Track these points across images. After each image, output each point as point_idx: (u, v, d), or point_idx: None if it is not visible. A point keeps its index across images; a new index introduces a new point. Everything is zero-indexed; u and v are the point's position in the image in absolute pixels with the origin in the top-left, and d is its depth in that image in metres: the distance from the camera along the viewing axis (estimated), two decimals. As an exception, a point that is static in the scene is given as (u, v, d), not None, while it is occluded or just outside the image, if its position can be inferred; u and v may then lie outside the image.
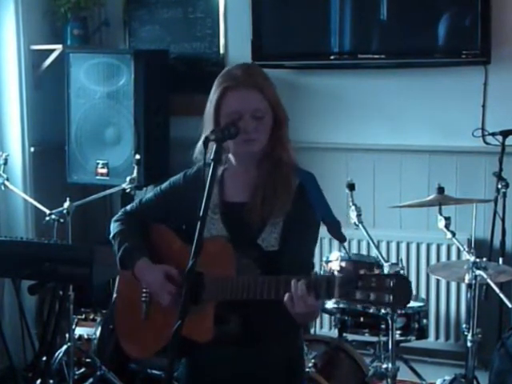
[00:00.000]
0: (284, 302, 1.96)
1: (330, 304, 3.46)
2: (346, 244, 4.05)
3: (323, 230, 2.21)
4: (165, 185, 2.34)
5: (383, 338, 3.45)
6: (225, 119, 2.14)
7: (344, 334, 3.54)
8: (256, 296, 2.02)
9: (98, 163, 4.21)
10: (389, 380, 3.20)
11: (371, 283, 1.88)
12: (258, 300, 2.02)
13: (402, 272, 3.22)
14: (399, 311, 3.29)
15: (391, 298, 1.86)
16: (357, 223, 3.30)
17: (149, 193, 2.40)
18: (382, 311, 3.22)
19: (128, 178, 3.76)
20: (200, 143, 2.20)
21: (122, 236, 2.29)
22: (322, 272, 3.55)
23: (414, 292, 4.03)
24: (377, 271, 3.40)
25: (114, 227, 2.33)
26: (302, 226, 2.15)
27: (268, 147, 2.19)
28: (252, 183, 2.19)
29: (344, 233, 2.23)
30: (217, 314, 2.09)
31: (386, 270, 3.10)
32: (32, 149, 4.29)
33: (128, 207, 2.38)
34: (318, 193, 2.19)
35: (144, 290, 2.26)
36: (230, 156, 2.22)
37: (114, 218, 2.37)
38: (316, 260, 2.32)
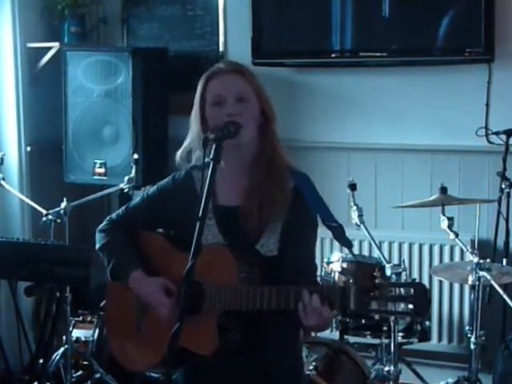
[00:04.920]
0: (298, 312, 1.92)
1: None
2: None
3: (324, 232, 2.17)
4: (152, 189, 2.28)
5: (385, 341, 3.44)
6: (209, 108, 2.11)
7: (345, 336, 3.52)
8: (264, 306, 1.98)
9: (95, 163, 4.17)
10: (391, 383, 3.18)
11: (389, 292, 1.84)
12: (266, 310, 1.98)
13: (404, 273, 3.19)
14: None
15: (412, 307, 1.82)
16: (358, 224, 3.27)
17: (135, 198, 2.34)
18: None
19: (126, 178, 3.73)
20: (182, 149, 2.18)
21: (111, 247, 2.22)
22: (322, 273, 3.52)
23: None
24: (378, 272, 3.37)
25: (99, 238, 2.27)
26: (300, 230, 2.12)
27: (258, 148, 2.15)
28: (245, 186, 2.15)
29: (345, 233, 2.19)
30: (220, 325, 2.04)
31: (388, 272, 3.07)
32: (28, 148, 4.27)
33: (114, 215, 2.32)
34: (315, 194, 2.17)
35: (136, 301, 2.19)
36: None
37: (99, 227, 2.30)
38: (317, 261, 2.27)
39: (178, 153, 2.20)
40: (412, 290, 1.84)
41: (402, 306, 1.85)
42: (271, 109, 2.17)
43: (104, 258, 2.24)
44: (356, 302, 1.87)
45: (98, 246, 2.27)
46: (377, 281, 1.90)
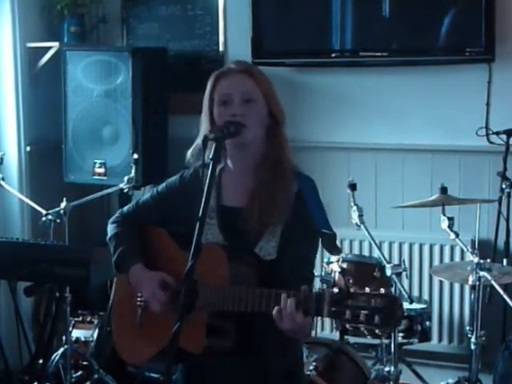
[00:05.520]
0: (273, 316, 1.92)
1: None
2: (347, 244, 4.03)
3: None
4: (161, 186, 2.30)
5: (385, 341, 3.43)
6: (216, 108, 2.10)
7: (345, 337, 3.51)
8: (248, 308, 1.97)
9: (95, 162, 4.16)
10: (391, 383, 3.16)
11: (361, 302, 1.82)
12: (251, 312, 1.97)
13: (405, 273, 3.18)
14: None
15: (379, 318, 1.81)
16: (358, 224, 3.26)
17: (146, 194, 2.36)
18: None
19: (126, 178, 3.72)
20: (193, 146, 2.18)
21: (118, 239, 2.25)
22: (323, 274, 3.51)
23: (417, 294, 4.02)
24: (379, 273, 3.37)
25: (110, 229, 2.30)
26: (300, 235, 2.10)
27: (265, 148, 2.14)
28: (250, 188, 2.14)
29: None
30: (210, 324, 2.04)
31: (388, 272, 3.06)
32: (28, 148, 4.26)
33: (125, 209, 2.35)
34: (316, 200, 2.15)
35: (139, 295, 2.22)
36: (228, 159, 2.17)
37: (111, 219, 2.34)
38: (317, 261, 2.26)
39: (189, 151, 2.20)
40: (384, 302, 1.81)
41: (374, 316, 1.82)
42: (280, 111, 2.16)
43: (111, 249, 2.26)
44: (329, 309, 1.86)
45: (108, 237, 2.30)
46: (352, 290, 1.86)
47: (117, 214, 2.34)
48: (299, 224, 2.10)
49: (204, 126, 2.16)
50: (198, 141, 2.18)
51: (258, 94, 2.10)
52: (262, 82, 2.13)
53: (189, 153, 2.20)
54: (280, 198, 2.10)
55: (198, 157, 2.18)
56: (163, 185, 2.29)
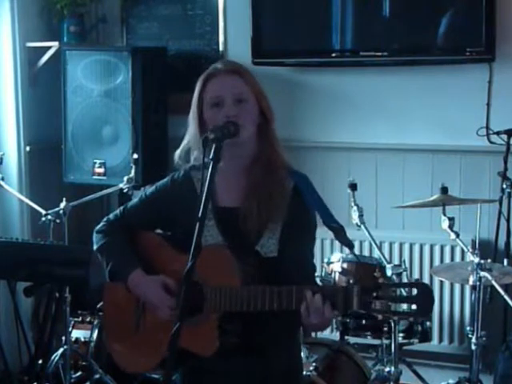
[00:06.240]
0: (300, 312, 1.92)
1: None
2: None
3: (324, 233, 2.16)
4: (151, 190, 2.26)
5: (386, 341, 3.42)
6: (208, 109, 2.10)
7: (346, 337, 3.50)
8: (265, 307, 1.97)
9: (94, 162, 4.16)
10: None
11: (392, 292, 1.83)
12: (267, 310, 1.97)
13: (405, 274, 3.17)
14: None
15: (415, 307, 1.81)
16: (359, 224, 3.26)
17: (133, 199, 2.33)
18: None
19: (125, 178, 3.71)
20: (180, 148, 2.18)
21: (109, 249, 2.21)
22: (323, 274, 3.50)
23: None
24: (379, 273, 3.36)
25: (97, 239, 2.25)
26: (300, 231, 2.11)
27: (256, 148, 2.14)
28: (244, 187, 2.14)
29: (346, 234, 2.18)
30: (219, 325, 2.03)
31: (388, 272, 3.06)
32: (28, 148, 4.25)
33: (111, 216, 2.30)
34: (315, 194, 2.16)
35: (134, 301, 2.17)
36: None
37: (96, 228, 2.28)
38: (317, 261, 2.26)
39: (177, 152, 2.20)
40: (415, 290, 1.83)
41: (405, 306, 1.83)
42: (270, 109, 2.16)
43: (102, 260, 2.22)
44: (359, 301, 1.87)
45: (95, 247, 2.25)
46: (380, 280, 1.88)
47: (102, 223, 2.28)
48: (298, 220, 2.10)
49: (192, 127, 2.15)
50: (185, 143, 2.18)
51: (249, 93, 2.11)
52: (251, 81, 2.13)
53: (176, 155, 2.19)
54: (276, 194, 2.11)
55: (186, 159, 2.18)
56: (152, 188, 2.26)
